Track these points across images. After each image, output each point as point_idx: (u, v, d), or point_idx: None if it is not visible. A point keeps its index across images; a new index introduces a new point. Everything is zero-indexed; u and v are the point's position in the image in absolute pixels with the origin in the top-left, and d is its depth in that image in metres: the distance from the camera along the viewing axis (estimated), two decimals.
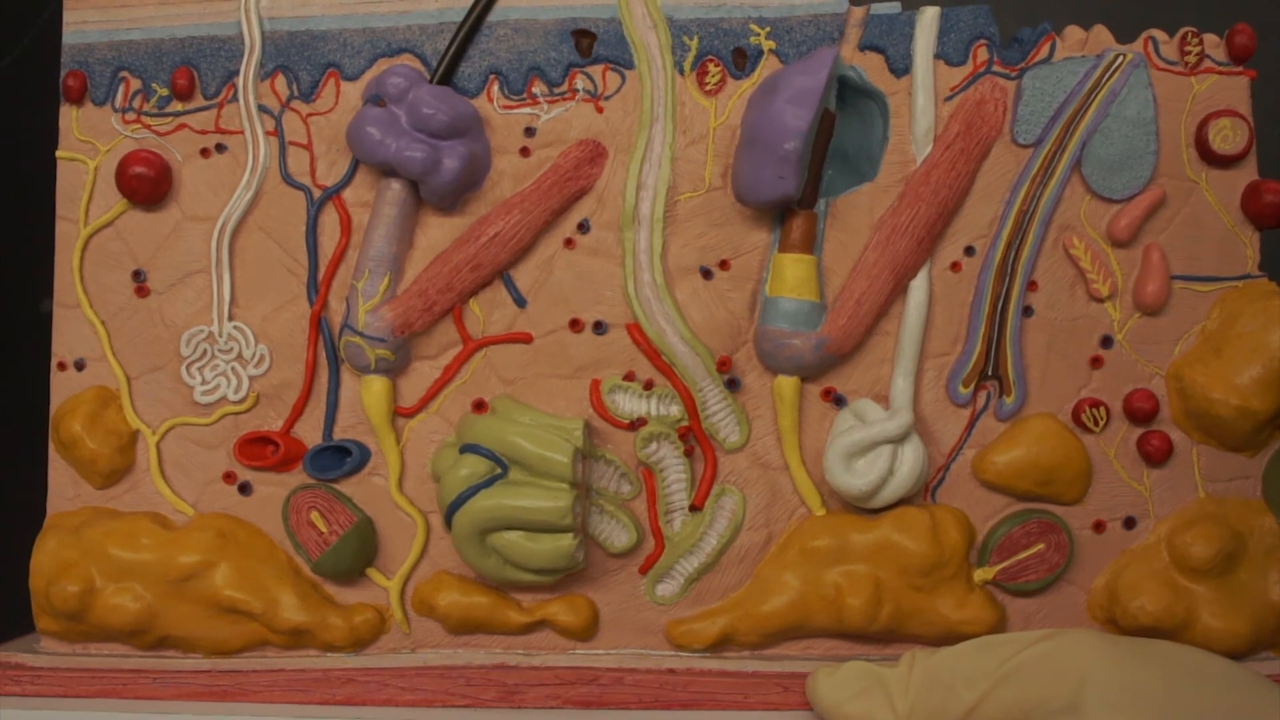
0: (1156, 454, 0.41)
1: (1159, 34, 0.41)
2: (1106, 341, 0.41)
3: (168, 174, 0.43)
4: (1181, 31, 0.41)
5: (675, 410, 0.42)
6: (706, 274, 0.42)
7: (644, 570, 0.42)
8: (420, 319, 0.42)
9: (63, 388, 0.44)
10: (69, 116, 0.44)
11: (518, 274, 0.43)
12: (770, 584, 0.41)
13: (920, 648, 0.39)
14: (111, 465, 0.43)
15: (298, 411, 0.43)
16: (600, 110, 0.42)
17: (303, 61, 0.43)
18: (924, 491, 0.41)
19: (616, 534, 0.42)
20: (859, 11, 0.42)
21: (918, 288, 0.41)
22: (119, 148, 0.44)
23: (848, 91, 0.42)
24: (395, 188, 0.42)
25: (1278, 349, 0.39)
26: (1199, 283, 0.41)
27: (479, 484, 0.39)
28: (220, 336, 0.43)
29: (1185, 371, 0.40)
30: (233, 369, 0.43)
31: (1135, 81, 0.41)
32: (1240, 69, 0.41)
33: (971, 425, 0.41)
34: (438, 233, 0.43)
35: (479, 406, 0.42)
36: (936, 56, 0.42)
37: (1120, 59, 0.41)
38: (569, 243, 0.42)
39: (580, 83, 0.43)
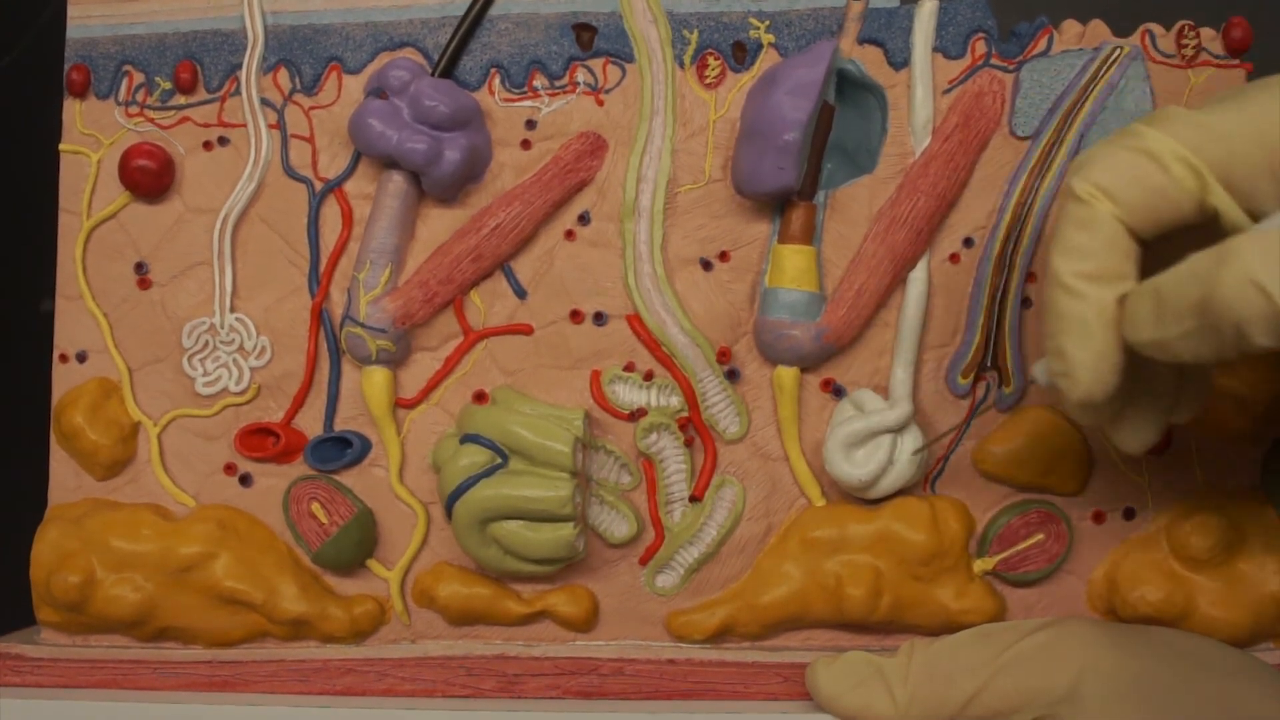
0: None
1: (1155, 28, 0.42)
2: None
3: (170, 167, 0.43)
4: (1178, 25, 0.41)
5: (675, 401, 0.42)
6: (706, 265, 0.42)
7: (644, 561, 0.42)
8: (421, 310, 0.42)
9: (64, 380, 0.44)
10: (72, 110, 0.44)
11: (518, 265, 0.43)
12: (770, 575, 0.41)
13: (919, 638, 0.39)
14: (113, 456, 0.43)
15: (299, 403, 0.43)
16: (601, 103, 0.43)
17: (305, 55, 0.44)
18: (923, 482, 0.41)
19: (616, 524, 0.42)
20: (858, 5, 0.42)
21: (917, 279, 0.41)
22: (122, 141, 0.44)
23: (847, 85, 0.42)
24: (397, 179, 0.42)
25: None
26: None
27: (479, 473, 0.39)
28: (222, 328, 0.43)
29: None
30: (234, 360, 0.43)
31: (1132, 74, 0.41)
32: (1237, 62, 0.41)
33: (971, 416, 0.41)
34: (439, 224, 0.43)
35: (480, 397, 0.42)
36: (935, 50, 0.42)
37: (1117, 52, 0.41)
38: (569, 234, 0.43)
39: (581, 76, 0.43)
